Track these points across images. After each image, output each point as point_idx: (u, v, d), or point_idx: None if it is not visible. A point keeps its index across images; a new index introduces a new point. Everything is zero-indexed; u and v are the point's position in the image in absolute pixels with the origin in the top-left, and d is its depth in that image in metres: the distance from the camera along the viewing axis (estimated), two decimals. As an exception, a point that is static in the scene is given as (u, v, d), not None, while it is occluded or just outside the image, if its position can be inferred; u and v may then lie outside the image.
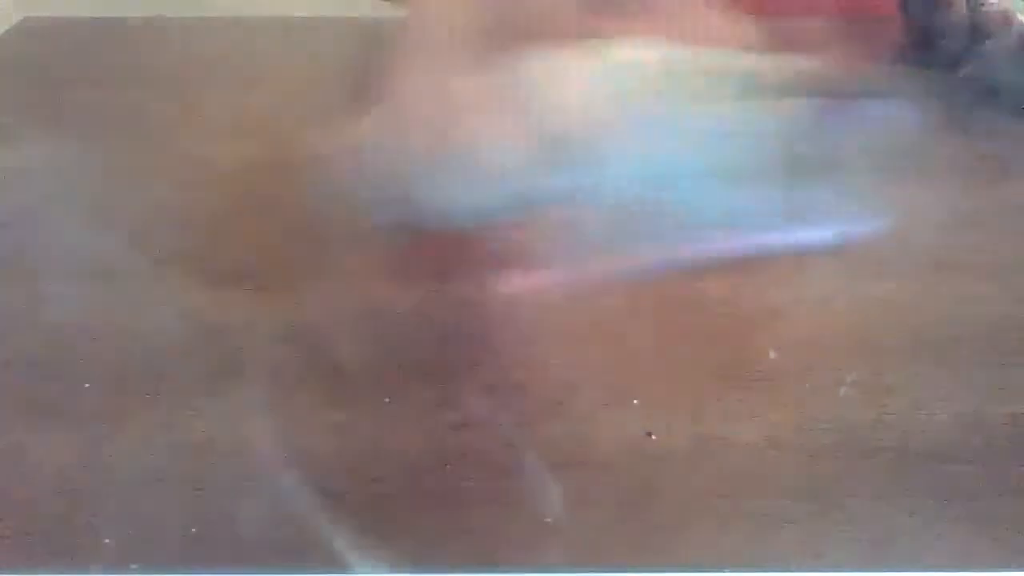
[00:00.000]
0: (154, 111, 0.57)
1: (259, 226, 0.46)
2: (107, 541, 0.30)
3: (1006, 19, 0.54)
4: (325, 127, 0.49)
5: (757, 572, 0.30)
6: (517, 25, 0.47)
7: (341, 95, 0.56)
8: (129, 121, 0.56)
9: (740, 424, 0.34)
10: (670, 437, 0.34)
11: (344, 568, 0.30)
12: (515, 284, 0.40)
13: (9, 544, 0.30)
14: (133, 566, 0.30)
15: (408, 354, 0.38)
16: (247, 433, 0.34)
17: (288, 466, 0.33)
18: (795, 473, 0.33)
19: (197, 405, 0.35)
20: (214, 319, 0.40)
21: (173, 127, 0.55)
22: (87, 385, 0.36)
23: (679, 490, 0.32)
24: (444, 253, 0.44)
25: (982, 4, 0.55)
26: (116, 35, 0.68)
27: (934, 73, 0.59)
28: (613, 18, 0.48)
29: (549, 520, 0.31)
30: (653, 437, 0.34)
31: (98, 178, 0.48)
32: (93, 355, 0.39)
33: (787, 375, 0.37)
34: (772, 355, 0.38)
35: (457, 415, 0.35)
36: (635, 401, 0.35)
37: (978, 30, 0.56)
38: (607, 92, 0.47)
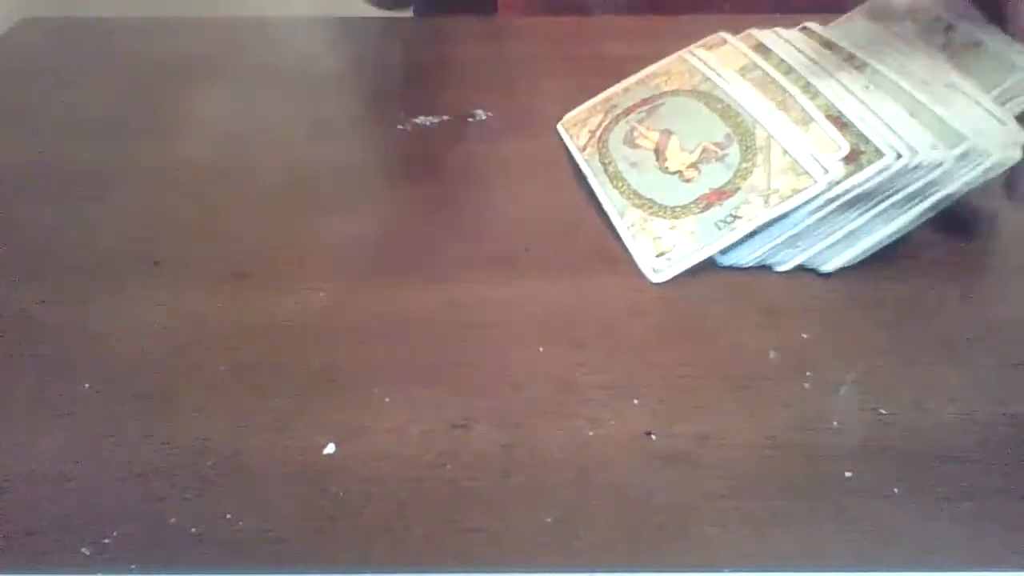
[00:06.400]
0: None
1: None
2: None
3: None
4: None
5: (757, 572, 0.29)
6: None
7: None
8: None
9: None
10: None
11: (343, 568, 0.30)
12: None
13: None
14: (133, 566, 0.30)
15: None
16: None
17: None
18: (795, 473, 0.33)
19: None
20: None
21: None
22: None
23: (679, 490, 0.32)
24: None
25: None
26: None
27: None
28: None
29: (549, 520, 0.31)
30: (653, 437, 0.34)
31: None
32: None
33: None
34: (772, 355, 0.38)
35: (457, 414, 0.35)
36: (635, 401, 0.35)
37: None
38: None
